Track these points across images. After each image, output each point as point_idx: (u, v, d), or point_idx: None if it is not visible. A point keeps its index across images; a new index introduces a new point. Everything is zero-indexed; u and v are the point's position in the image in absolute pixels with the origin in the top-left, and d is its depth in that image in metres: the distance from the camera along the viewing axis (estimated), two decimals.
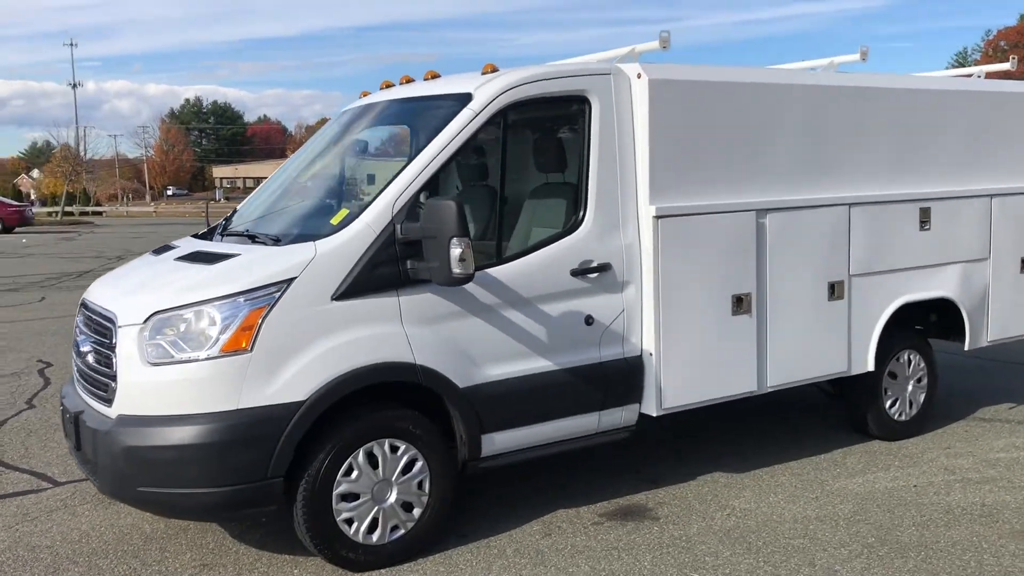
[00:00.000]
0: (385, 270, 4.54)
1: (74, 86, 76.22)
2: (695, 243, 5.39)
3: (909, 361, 6.70)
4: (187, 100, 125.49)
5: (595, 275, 5.15)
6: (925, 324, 7.01)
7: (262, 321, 4.29)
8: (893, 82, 6.37)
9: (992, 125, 6.83)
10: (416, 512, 4.72)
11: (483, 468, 4.94)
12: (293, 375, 4.33)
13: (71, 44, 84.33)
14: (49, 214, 54.08)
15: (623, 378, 5.29)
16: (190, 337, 4.29)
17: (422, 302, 4.64)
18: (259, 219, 5.41)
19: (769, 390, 5.87)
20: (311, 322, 4.39)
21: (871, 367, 6.33)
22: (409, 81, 5.83)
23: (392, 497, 4.64)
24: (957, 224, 6.65)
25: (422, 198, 4.69)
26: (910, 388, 6.72)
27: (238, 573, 4.61)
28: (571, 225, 5.17)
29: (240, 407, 4.25)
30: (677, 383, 5.41)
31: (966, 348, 6.92)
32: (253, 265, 4.52)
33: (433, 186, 4.83)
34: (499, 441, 4.94)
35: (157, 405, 4.29)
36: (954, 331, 6.92)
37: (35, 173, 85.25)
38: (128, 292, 4.73)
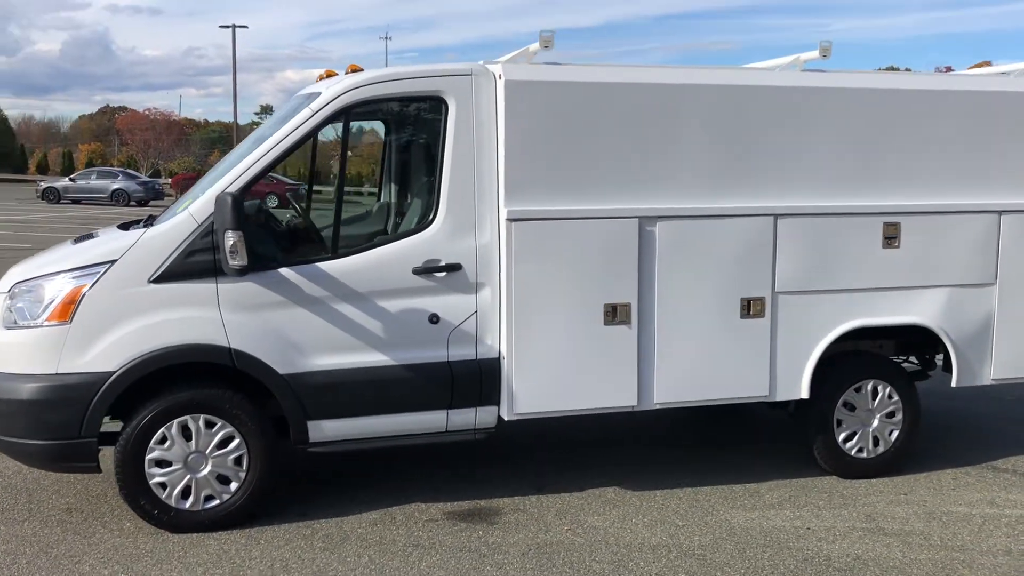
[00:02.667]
0: (202, 258, 4.88)
1: None
2: (557, 248, 5.23)
3: (875, 393, 5.99)
4: None
5: (442, 274, 5.17)
6: (918, 355, 6.27)
7: (82, 297, 4.79)
8: (849, 81, 5.71)
9: (1001, 130, 5.91)
10: (233, 486, 5.04)
11: (315, 452, 5.16)
12: (106, 347, 4.80)
13: (386, 38, 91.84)
14: None
15: (475, 379, 5.27)
16: (31, 306, 4.89)
17: (242, 290, 4.93)
18: (172, 205, 5.94)
19: (657, 407, 5.56)
20: (127, 301, 4.83)
21: (804, 394, 5.77)
22: (331, 75, 6.03)
23: (206, 469, 4.99)
24: (943, 243, 5.85)
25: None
26: (875, 423, 6.02)
27: (101, 516, 5.16)
28: (420, 224, 5.22)
29: (58, 371, 4.78)
30: (532, 389, 5.30)
31: (954, 384, 6.07)
32: (92, 247, 5.05)
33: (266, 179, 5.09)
34: (328, 428, 5.13)
35: (6, 363, 4.92)
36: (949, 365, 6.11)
37: None
38: (21, 265, 5.42)
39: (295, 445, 5.13)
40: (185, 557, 4.71)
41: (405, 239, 5.18)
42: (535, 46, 5.31)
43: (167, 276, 4.86)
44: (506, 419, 5.34)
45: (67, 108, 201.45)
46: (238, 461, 5.04)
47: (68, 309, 4.79)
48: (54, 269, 4.95)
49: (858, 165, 5.69)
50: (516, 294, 5.19)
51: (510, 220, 5.14)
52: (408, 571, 4.60)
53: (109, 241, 5.07)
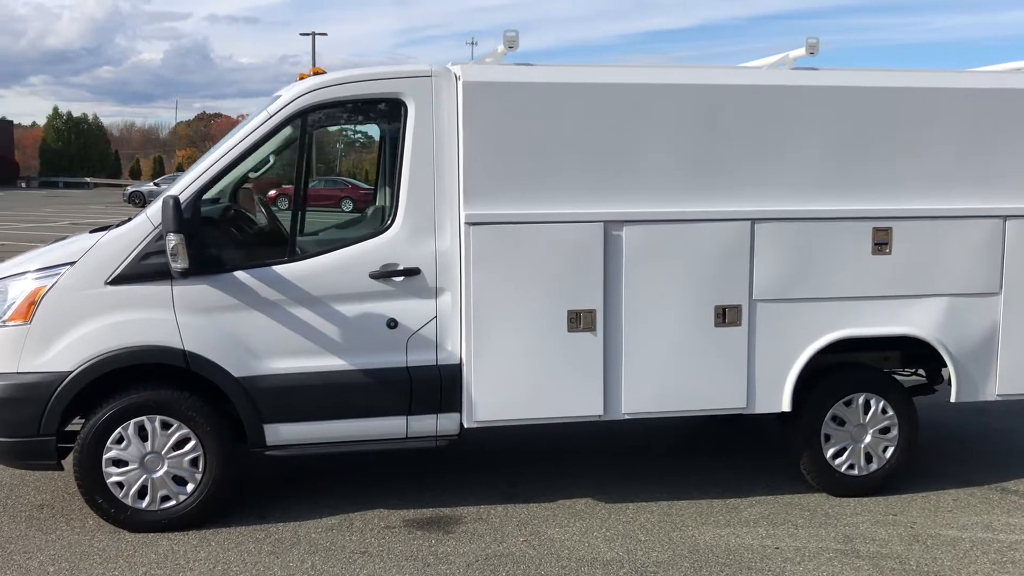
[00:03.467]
0: (158, 260, 4.91)
1: None
2: (517, 252, 5.11)
3: (867, 407, 5.69)
4: None
5: (400, 279, 5.11)
6: (926, 368, 5.96)
7: (41, 298, 4.89)
8: (835, 79, 5.44)
9: (1006, 130, 5.56)
10: (189, 487, 5.07)
11: (272, 456, 5.16)
12: (64, 347, 4.88)
13: (472, 43, 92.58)
14: None
15: (435, 385, 5.19)
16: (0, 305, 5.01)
17: (197, 292, 4.96)
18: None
19: (626, 417, 5.39)
20: (84, 302, 4.90)
21: (786, 407, 5.52)
22: (303, 77, 6.04)
23: (162, 470, 5.03)
24: (940, 249, 5.53)
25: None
26: (868, 439, 5.72)
27: (69, 514, 5.26)
28: (379, 227, 5.17)
29: (18, 370, 4.89)
30: (492, 396, 5.19)
31: (953, 399, 5.73)
32: (57, 249, 5.15)
33: (223, 183, 5.11)
34: (285, 432, 5.12)
35: None
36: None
37: None
38: (2, 264, 5.56)
39: (252, 448, 5.13)
40: (133, 556, 4.75)
41: (363, 243, 5.13)
42: (503, 48, 5.21)
43: (123, 278, 4.92)
44: (466, 427, 5.24)
45: (168, 115, 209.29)
46: (194, 463, 5.06)
47: (29, 309, 4.89)
48: (21, 270, 5.07)
49: (845, 168, 5.41)
50: (475, 299, 5.10)
51: (469, 224, 5.05)
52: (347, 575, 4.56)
53: (73, 243, 5.16)
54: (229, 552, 4.82)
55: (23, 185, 61.79)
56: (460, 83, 5.01)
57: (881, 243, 5.49)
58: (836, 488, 5.74)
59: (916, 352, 5.83)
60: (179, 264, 4.65)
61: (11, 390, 4.88)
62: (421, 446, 5.30)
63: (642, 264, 5.25)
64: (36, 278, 4.96)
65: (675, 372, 5.35)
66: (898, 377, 6.14)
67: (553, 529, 5.19)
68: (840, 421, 5.69)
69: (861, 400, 5.68)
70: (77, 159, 68.56)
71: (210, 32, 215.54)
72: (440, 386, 5.19)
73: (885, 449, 5.76)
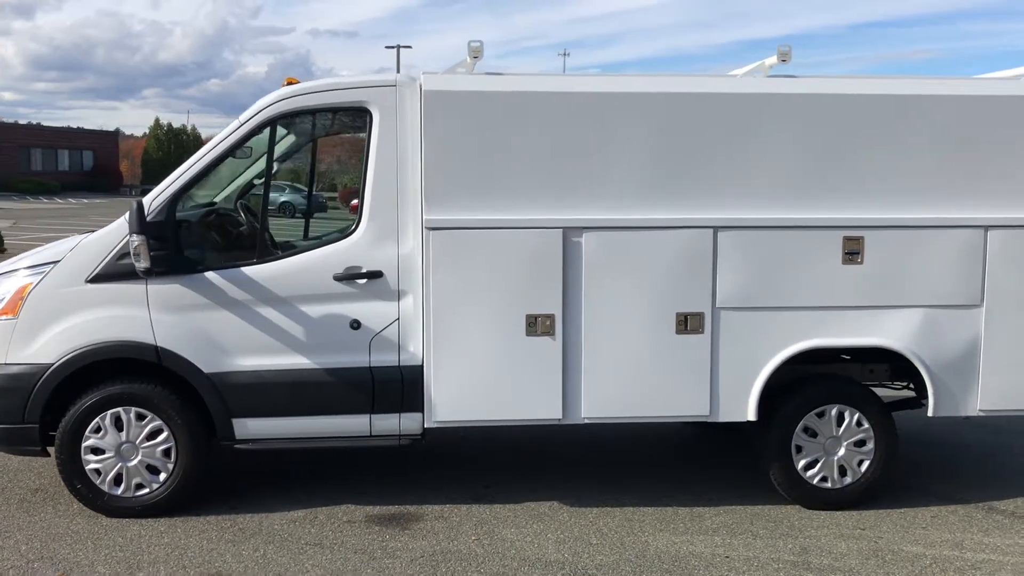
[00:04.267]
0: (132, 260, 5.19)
1: None
2: (477, 257, 5.23)
3: (840, 419, 5.61)
4: None
5: (363, 281, 5.29)
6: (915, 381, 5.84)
7: (28, 294, 5.23)
8: (805, 87, 5.39)
9: (988, 138, 5.42)
10: (162, 476, 5.34)
11: (242, 449, 5.39)
12: (47, 341, 5.21)
13: (564, 55, 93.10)
14: None
15: (396, 385, 5.34)
16: None
17: (170, 291, 5.23)
18: None
19: (585, 422, 5.44)
20: (66, 299, 5.22)
21: (751, 416, 5.48)
22: (291, 83, 6.21)
23: (136, 459, 5.31)
24: (916, 260, 5.43)
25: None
26: (842, 451, 5.63)
27: (58, 498, 5.60)
28: (344, 231, 5.36)
29: (6, 361, 5.23)
30: (451, 397, 5.31)
31: (931, 413, 5.60)
32: (48, 249, 5.49)
33: (199, 188, 5.37)
34: (252, 427, 5.34)
35: None
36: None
37: None
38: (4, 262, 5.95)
39: (222, 442, 5.37)
40: (101, 539, 5.03)
41: (328, 246, 5.33)
42: (469, 58, 5.34)
43: (102, 277, 5.22)
44: (427, 427, 5.38)
45: None
46: (166, 453, 5.33)
47: (16, 304, 5.24)
48: (13, 267, 5.42)
49: (814, 176, 5.36)
50: (435, 302, 5.23)
51: (429, 229, 5.19)
52: (291, 567, 4.73)
53: (61, 243, 5.50)
54: (191, 539, 5.06)
55: (130, 192, 64.61)
56: (421, 92, 5.16)
57: (852, 252, 5.41)
58: (809, 500, 5.67)
59: (901, 365, 5.71)
60: (141, 264, 4.92)
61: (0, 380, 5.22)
62: (385, 444, 5.45)
63: (602, 270, 5.30)
64: (24, 275, 5.31)
65: (635, 378, 5.38)
66: (891, 390, 6.05)
67: (509, 530, 5.27)
68: (812, 432, 5.62)
69: (834, 412, 5.60)
70: (175, 167, 70.87)
71: (312, 46, 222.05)
72: (402, 386, 5.34)
73: (860, 463, 5.65)
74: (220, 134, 5.31)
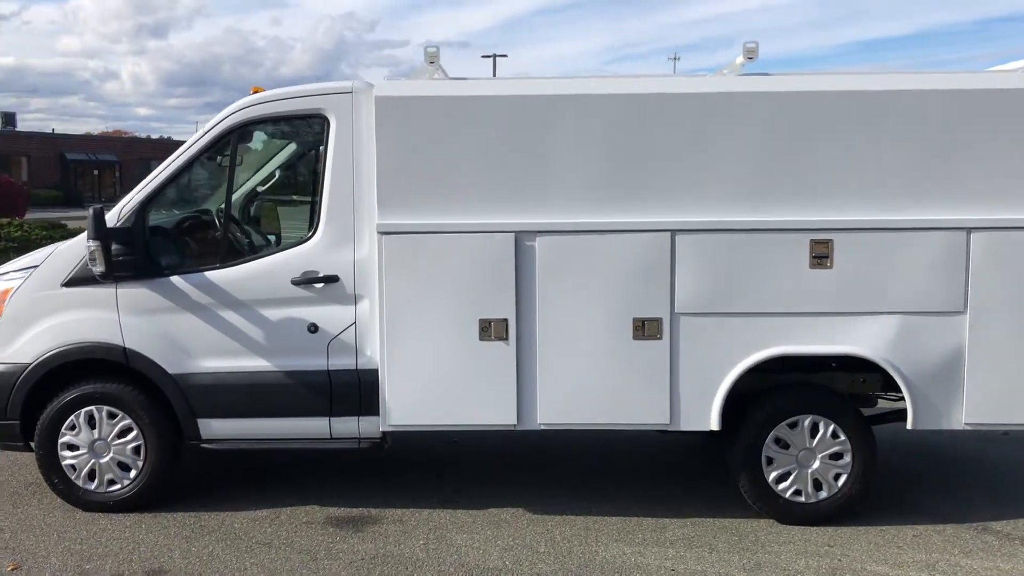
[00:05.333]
0: None
1: None
2: (429, 261, 5.23)
3: (814, 430, 5.38)
4: None
5: (320, 285, 5.37)
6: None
7: (10, 297, 5.51)
8: (767, 85, 5.19)
9: (970, 135, 5.11)
10: (132, 473, 5.54)
11: (207, 449, 5.54)
12: (26, 342, 5.48)
13: (674, 59, 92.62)
14: None
15: (354, 389, 5.40)
16: None
17: (138, 295, 5.42)
18: None
19: (541, 428, 5.37)
20: (43, 302, 5.48)
21: (714, 426, 5.31)
22: (256, 91, 6.28)
23: (108, 455, 5.52)
24: (890, 264, 5.16)
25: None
26: (816, 464, 5.39)
27: (45, 494, 5.87)
28: (302, 236, 5.46)
29: None
30: (405, 402, 5.33)
31: (910, 426, 5.31)
32: (32, 255, 5.77)
33: (165, 195, 5.53)
34: (216, 427, 5.49)
35: None
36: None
37: None
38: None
39: (189, 441, 5.53)
40: (66, 532, 5.26)
41: (287, 251, 5.43)
42: (426, 64, 5.37)
43: (75, 281, 5.45)
44: (382, 430, 5.41)
45: None
46: (136, 451, 5.52)
47: (0, 307, 5.53)
48: (3, 271, 5.73)
49: (778, 177, 5.16)
50: (388, 307, 5.27)
51: (381, 233, 5.23)
52: (233, 564, 4.84)
53: (43, 250, 5.77)
54: (149, 534, 5.23)
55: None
56: (373, 98, 5.21)
57: (820, 256, 5.18)
58: (783, 515, 5.45)
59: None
60: (97, 268, 5.13)
61: None
62: (345, 447, 5.51)
63: (556, 275, 5.23)
64: (9, 279, 5.60)
65: (592, 384, 5.28)
66: (886, 401, 5.77)
67: (461, 535, 5.25)
68: (784, 444, 5.40)
69: (807, 422, 5.37)
70: None
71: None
72: (359, 390, 5.39)
73: (837, 477, 5.40)
74: (187, 142, 5.48)
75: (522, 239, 5.22)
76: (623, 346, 5.25)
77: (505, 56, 63.90)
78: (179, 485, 5.92)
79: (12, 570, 4.77)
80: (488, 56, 56.49)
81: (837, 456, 5.39)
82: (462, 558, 4.94)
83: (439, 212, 5.23)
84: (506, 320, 5.24)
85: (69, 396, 5.48)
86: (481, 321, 5.25)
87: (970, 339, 5.19)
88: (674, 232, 5.18)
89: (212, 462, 6.34)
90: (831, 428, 5.37)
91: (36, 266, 5.54)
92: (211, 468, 6.34)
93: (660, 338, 5.24)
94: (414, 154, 5.21)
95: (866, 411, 5.62)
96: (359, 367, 5.40)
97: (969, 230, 5.13)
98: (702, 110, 5.14)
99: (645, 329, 5.24)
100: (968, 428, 5.31)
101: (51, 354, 5.43)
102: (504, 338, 5.25)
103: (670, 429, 5.35)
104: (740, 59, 5.36)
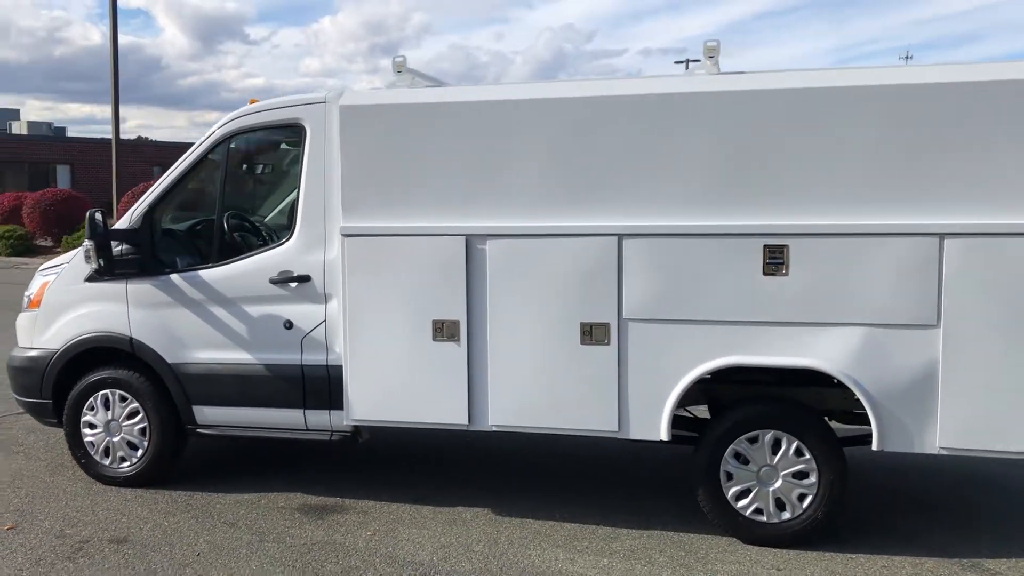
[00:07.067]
0: (117, 263, 6.01)
1: None
2: (386, 263, 5.43)
3: (776, 446, 5.11)
4: None
5: (295, 285, 5.70)
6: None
7: (46, 291, 6.24)
8: (720, 84, 4.98)
9: (944, 133, 4.70)
10: (138, 452, 6.10)
11: (204, 434, 6.01)
12: (56, 330, 6.17)
13: (907, 56, 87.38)
14: None
15: (324, 383, 5.69)
16: (28, 294, 6.47)
17: (143, 290, 5.98)
18: None
19: (493, 429, 5.42)
20: (70, 295, 6.15)
21: (663, 436, 5.16)
22: (252, 102, 6.64)
23: (120, 435, 6.12)
24: (853, 272, 4.83)
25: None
26: (778, 483, 5.12)
27: (68, 462, 6.58)
28: (281, 238, 5.81)
29: (31, 346, 6.28)
30: (365, 398, 5.56)
31: (875, 447, 4.92)
32: (71, 252, 6.47)
33: (168, 200, 6.05)
34: (209, 414, 5.95)
35: (19, 339, 6.55)
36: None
37: None
38: None
39: (186, 426, 6.02)
40: (73, 501, 5.87)
41: (268, 251, 5.80)
42: (392, 73, 5.60)
43: (95, 277, 6.08)
44: (345, 424, 5.66)
45: None
46: (143, 432, 6.08)
47: (39, 299, 6.27)
48: (46, 266, 6.48)
49: (730, 180, 4.95)
50: (350, 306, 5.51)
51: (344, 236, 5.49)
52: (188, 538, 5.24)
53: (77, 249, 6.46)
54: (137, 507, 5.76)
55: None
56: (338, 107, 5.48)
57: (775, 263, 4.92)
58: (742, 534, 5.21)
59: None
60: (92, 265, 5.71)
61: (25, 361, 6.28)
62: (319, 439, 5.80)
63: (505, 278, 5.27)
64: (48, 274, 6.33)
65: (541, 388, 5.28)
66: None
67: (411, 530, 5.40)
68: (744, 459, 5.16)
69: (768, 437, 5.11)
70: None
71: (643, 65, 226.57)
72: (328, 385, 5.67)
73: (801, 497, 5.10)
74: (187, 152, 5.99)
75: (473, 242, 5.31)
76: (571, 351, 5.22)
77: (697, 61, 62.43)
78: (193, 467, 6.45)
79: (8, 529, 5.41)
80: (681, 62, 55.69)
81: (802, 475, 5.09)
82: (395, 551, 5.09)
83: (398, 215, 5.41)
84: (458, 322, 5.35)
85: (89, 380, 6.12)
86: (435, 322, 5.38)
87: (944, 355, 4.75)
88: (621, 236, 5.09)
89: (227, 449, 6.84)
90: (795, 445, 5.08)
91: (68, 263, 6.23)
92: (225, 454, 6.83)
93: (608, 344, 5.16)
94: (375, 160, 5.42)
95: (842, 430, 5.26)
96: (328, 363, 5.67)
97: (942, 236, 4.71)
98: (649, 112, 5.02)
99: (593, 334, 5.18)
100: (944, 453, 4.85)
101: (74, 341, 6.09)
102: (456, 339, 5.36)
103: (619, 437, 5.25)
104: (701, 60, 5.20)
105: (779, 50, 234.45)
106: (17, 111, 58.58)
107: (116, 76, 23.67)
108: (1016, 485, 6.14)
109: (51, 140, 47.29)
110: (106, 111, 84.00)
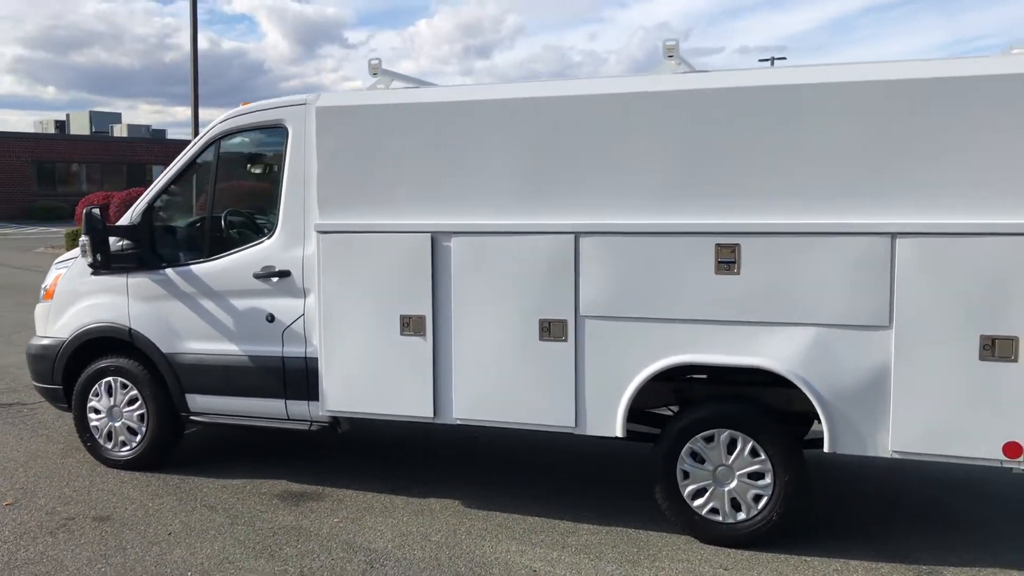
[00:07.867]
0: (118, 256, 6.35)
1: None
2: (357, 259, 5.61)
3: (731, 446, 5.10)
4: None
5: (276, 279, 5.94)
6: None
7: (58, 282, 6.63)
8: (678, 84, 4.99)
9: (898, 131, 4.62)
10: (137, 437, 6.43)
11: (196, 421, 6.30)
12: (66, 320, 6.56)
13: (1009, 52, 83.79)
14: None
15: (303, 375, 5.91)
16: (44, 285, 6.87)
17: (141, 283, 6.31)
18: None
19: (458, 423, 5.54)
20: (77, 287, 6.53)
21: (619, 433, 5.20)
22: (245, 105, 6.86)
23: (121, 420, 6.46)
24: (804, 271, 4.80)
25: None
26: (734, 483, 5.11)
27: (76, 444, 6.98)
28: (265, 234, 6.05)
29: (45, 335, 6.69)
30: (338, 389, 5.75)
31: (826, 449, 4.87)
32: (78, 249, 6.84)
33: (167, 198, 6.36)
34: (200, 402, 6.24)
35: (37, 328, 6.97)
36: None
37: None
38: None
39: (181, 413, 6.32)
40: (73, 481, 6.22)
41: (253, 247, 6.04)
42: (371, 76, 5.79)
43: (99, 270, 6.44)
44: (320, 414, 5.86)
45: None
46: (141, 418, 6.41)
47: (52, 290, 6.67)
48: (61, 259, 6.89)
49: (683, 178, 4.96)
50: (324, 300, 5.71)
51: (318, 232, 5.70)
52: (165, 518, 5.52)
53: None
54: (128, 489, 6.07)
55: None
56: (314, 108, 5.69)
57: (726, 261, 4.91)
58: (698, 533, 5.21)
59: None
60: (87, 259, 6.05)
61: (39, 349, 6.69)
62: (299, 428, 6.02)
63: (469, 274, 5.39)
64: (61, 267, 6.72)
65: (502, 383, 5.38)
66: None
67: (377, 519, 5.56)
68: (700, 458, 5.16)
69: (724, 437, 5.10)
70: None
71: (740, 62, 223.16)
72: (307, 376, 5.88)
73: (757, 498, 5.07)
74: (183, 151, 6.29)
75: (439, 239, 5.44)
76: (530, 347, 5.30)
77: (784, 59, 61.02)
78: (192, 453, 6.76)
79: (6, 505, 5.78)
80: (765, 60, 54.63)
81: (757, 476, 5.06)
82: (355, 538, 5.26)
83: (368, 213, 5.59)
84: (423, 317, 5.49)
85: (94, 367, 6.48)
86: (402, 317, 5.54)
87: (896, 357, 4.67)
88: (578, 234, 5.15)
89: (227, 436, 7.13)
90: (749, 445, 5.05)
91: (75, 257, 6.61)
92: (224, 441, 7.12)
93: (565, 340, 5.23)
94: (348, 159, 5.61)
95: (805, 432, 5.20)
96: (307, 355, 5.88)
97: (894, 235, 4.63)
98: (604, 112, 5.07)
99: (551, 330, 5.25)
100: (897, 456, 4.77)
101: (80, 331, 6.46)
102: (422, 334, 5.50)
103: (576, 433, 5.30)
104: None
105: (887, 46, 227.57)
106: (119, 115, 61.30)
107: (196, 81, 24.65)
108: (986, 489, 5.95)
109: (149, 142, 49.40)
110: (211, 113, 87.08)
